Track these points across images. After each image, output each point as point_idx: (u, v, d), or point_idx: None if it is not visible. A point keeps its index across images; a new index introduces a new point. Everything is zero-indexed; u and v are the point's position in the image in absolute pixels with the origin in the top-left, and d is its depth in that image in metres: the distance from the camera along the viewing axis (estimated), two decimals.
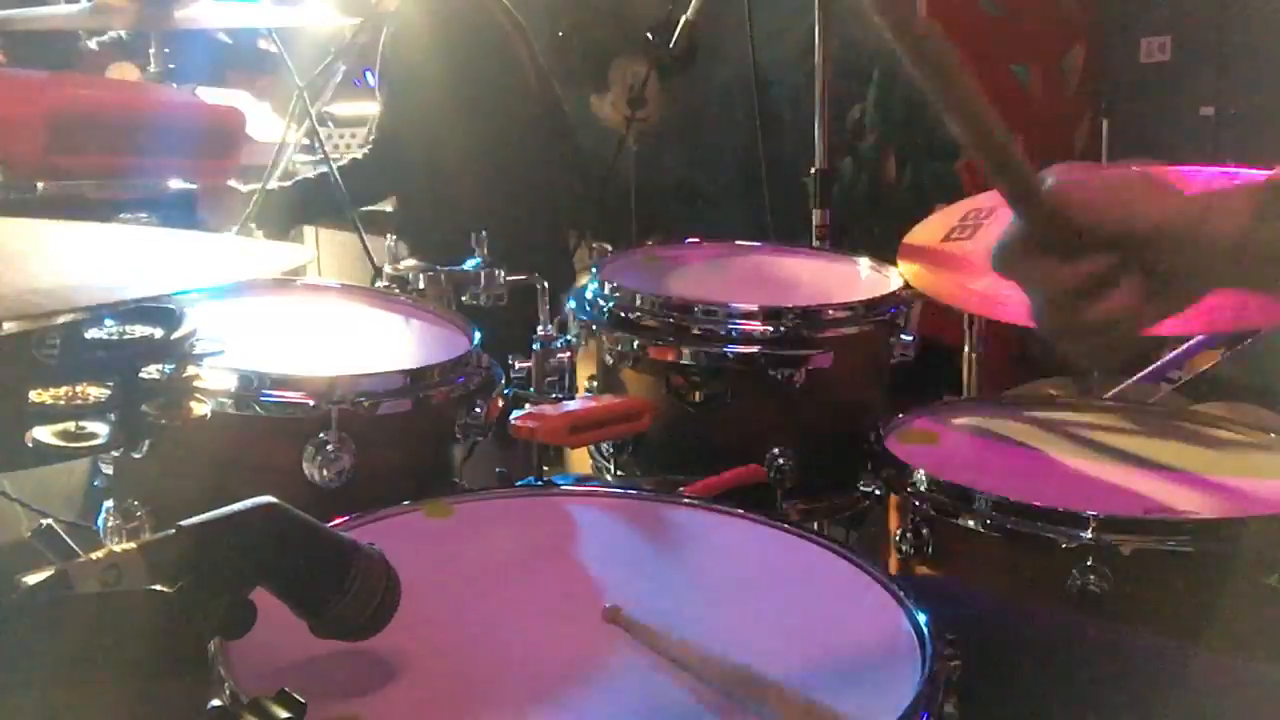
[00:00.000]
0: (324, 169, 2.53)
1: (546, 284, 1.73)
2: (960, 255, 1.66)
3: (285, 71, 2.54)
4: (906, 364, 1.67)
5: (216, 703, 0.81)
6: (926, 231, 1.77)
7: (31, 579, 0.72)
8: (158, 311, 0.96)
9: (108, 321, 0.92)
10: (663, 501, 1.27)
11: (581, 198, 3.10)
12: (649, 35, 2.92)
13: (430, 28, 2.67)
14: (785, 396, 1.55)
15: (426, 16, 2.68)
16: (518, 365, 1.67)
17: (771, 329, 1.55)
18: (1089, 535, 1.25)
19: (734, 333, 1.56)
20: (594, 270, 1.74)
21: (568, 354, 1.68)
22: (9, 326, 0.78)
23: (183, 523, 0.78)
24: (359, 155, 2.77)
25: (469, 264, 1.74)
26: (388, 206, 2.94)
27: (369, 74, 3.18)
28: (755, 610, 1.06)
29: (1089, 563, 1.24)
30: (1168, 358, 2.29)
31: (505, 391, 1.52)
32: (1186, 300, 0.91)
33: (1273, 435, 1.52)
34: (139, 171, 2.13)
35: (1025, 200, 0.88)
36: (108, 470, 1.38)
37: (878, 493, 1.46)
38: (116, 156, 2.10)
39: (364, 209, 2.85)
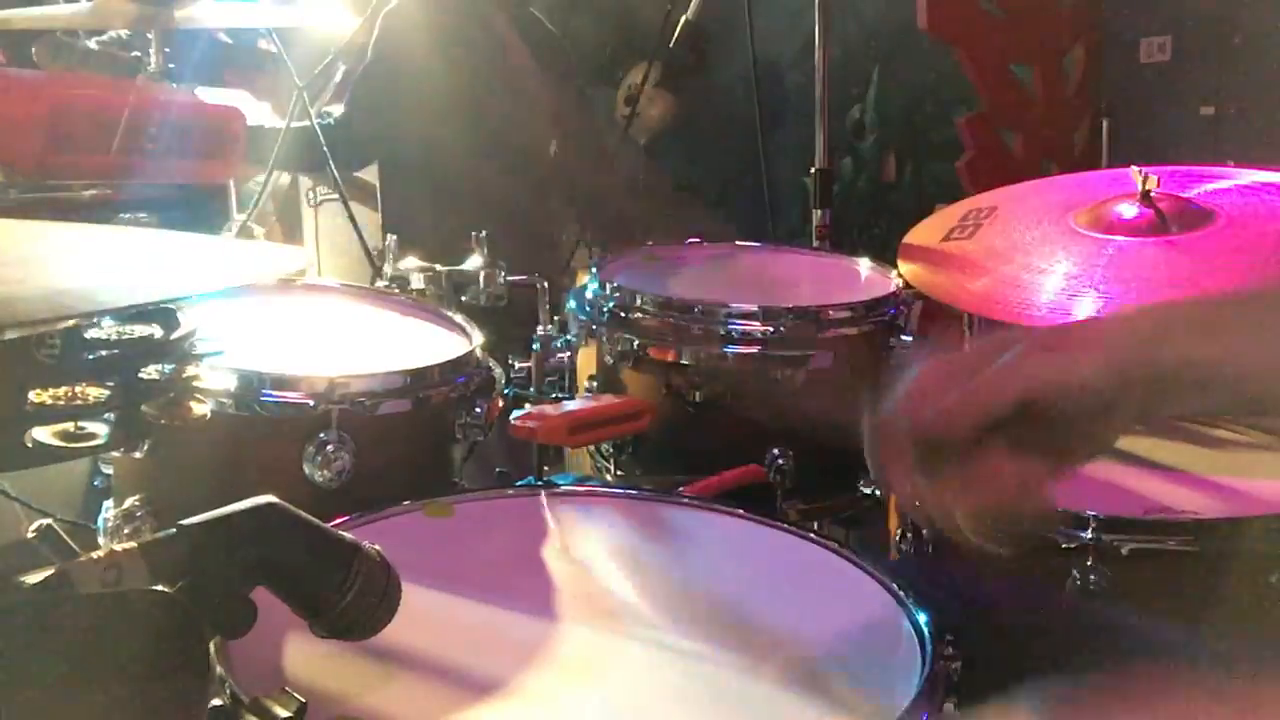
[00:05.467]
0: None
1: (546, 284, 1.73)
2: (960, 255, 1.66)
3: (285, 71, 2.54)
4: None
5: (217, 702, 0.81)
6: (926, 231, 1.77)
7: (31, 579, 0.72)
8: (158, 311, 0.96)
9: (107, 321, 0.92)
10: (663, 501, 1.27)
11: (581, 197, 3.10)
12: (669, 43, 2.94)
13: (425, 24, 2.68)
14: (785, 396, 1.55)
15: (424, 12, 2.68)
16: (518, 365, 1.67)
17: (771, 329, 1.55)
18: (1089, 535, 1.25)
19: (734, 333, 1.56)
20: (594, 270, 1.74)
21: (568, 354, 1.68)
22: (9, 331, 0.78)
23: (183, 522, 0.77)
24: (337, 115, 2.76)
25: (469, 264, 1.74)
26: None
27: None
28: (755, 610, 1.06)
29: (1089, 562, 1.24)
30: None
31: (505, 391, 1.52)
32: (1089, 451, 0.86)
33: (1273, 435, 1.52)
34: (139, 171, 2.13)
35: (892, 443, 0.86)
36: (108, 470, 1.38)
37: (878, 493, 1.46)
38: (116, 156, 2.10)
39: (364, 209, 2.86)
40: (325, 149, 2.45)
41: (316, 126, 2.45)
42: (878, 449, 0.85)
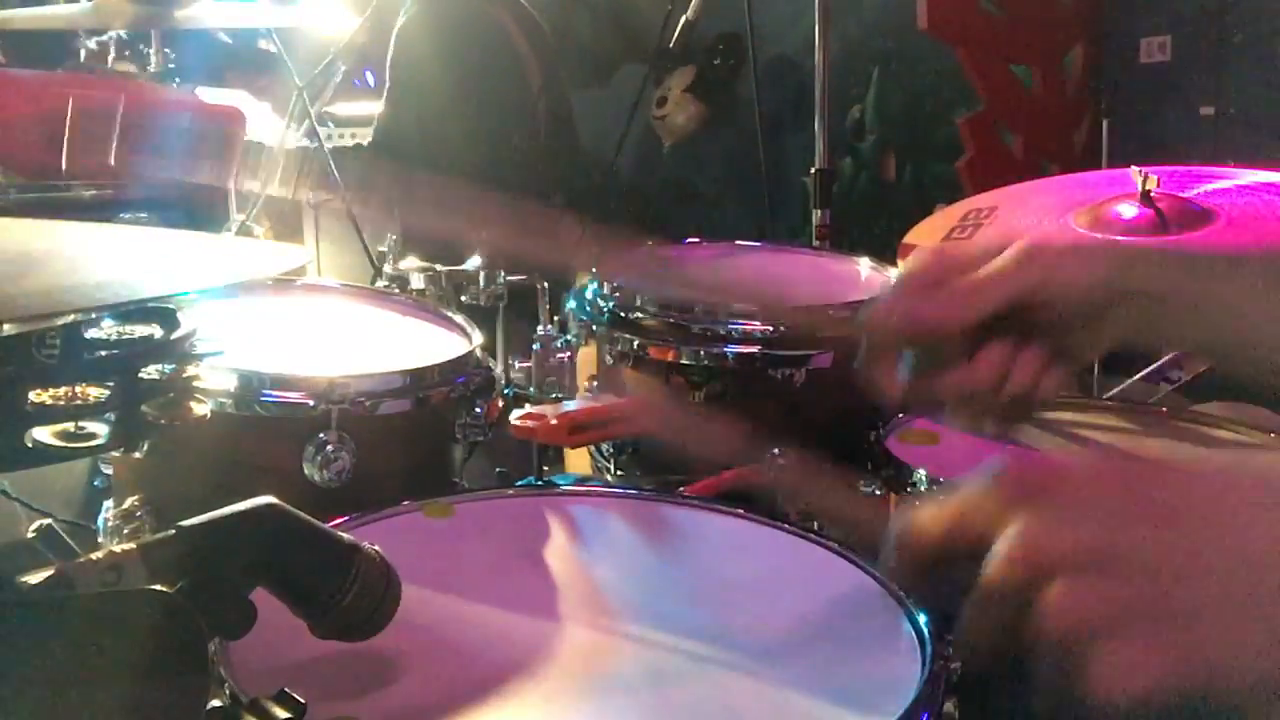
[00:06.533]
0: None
1: (546, 284, 1.73)
2: None
3: (285, 71, 2.54)
4: None
5: (216, 703, 0.81)
6: (926, 231, 1.77)
7: (31, 579, 0.72)
8: (158, 311, 0.96)
9: (107, 321, 0.92)
10: (663, 501, 1.27)
11: (581, 197, 3.10)
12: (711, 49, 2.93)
13: (437, 28, 2.68)
14: (785, 396, 1.55)
15: (433, 16, 2.69)
16: (518, 365, 1.67)
17: (771, 329, 1.55)
18: None
19: (734, 333, 1.56)
20: (594, 270, 1.74)
21: (568, 354, 1.68)
22: (8, 327, 0.78)
23: (183, 523, 0.78)
24: (362, 143, 2.79)
25: (469, 264, 1.74)
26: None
27: (369, 74, 3.18)
28: (755, 610, 1.06)
29: None
30: (1167, 358, 2.29)
31: (505, 391, 1.52)
32: (1081, 354, 0.88)
33: (1273, 435, 1.52)
34: (139, 171, 2.13)
35: (883, 342, 0.87)
36: (108, 470, 1.38)
37: (878, 493, 1.45)
38: (116, 156, 2.10)
39: (363, 209, 2.86)
40: (335, 172, 2.47)
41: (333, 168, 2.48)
42: (868, 343, 0.85)
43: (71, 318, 0.83)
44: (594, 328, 1.66)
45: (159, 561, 0.74)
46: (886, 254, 1.79)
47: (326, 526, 0.85)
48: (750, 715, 0.89)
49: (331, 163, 2.50)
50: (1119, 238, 1.57)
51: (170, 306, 0.96)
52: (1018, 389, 0.85)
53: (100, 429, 0.88)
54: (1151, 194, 1.59)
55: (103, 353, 0.89)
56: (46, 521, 1.39)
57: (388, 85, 2.78)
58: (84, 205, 2.05)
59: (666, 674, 0.93)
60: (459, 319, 1.59)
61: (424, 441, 1.42)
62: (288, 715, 0.73)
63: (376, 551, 0.87)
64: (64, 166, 2.02)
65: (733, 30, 3.20)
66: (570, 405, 1.50)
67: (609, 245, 1.87)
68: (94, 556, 0.73)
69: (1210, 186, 1.66)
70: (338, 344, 1.54)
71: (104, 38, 2.84)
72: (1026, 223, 1.67)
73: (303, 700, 0.74)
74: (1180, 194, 1.62)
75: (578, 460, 1.93)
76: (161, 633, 0.70)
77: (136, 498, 1.33)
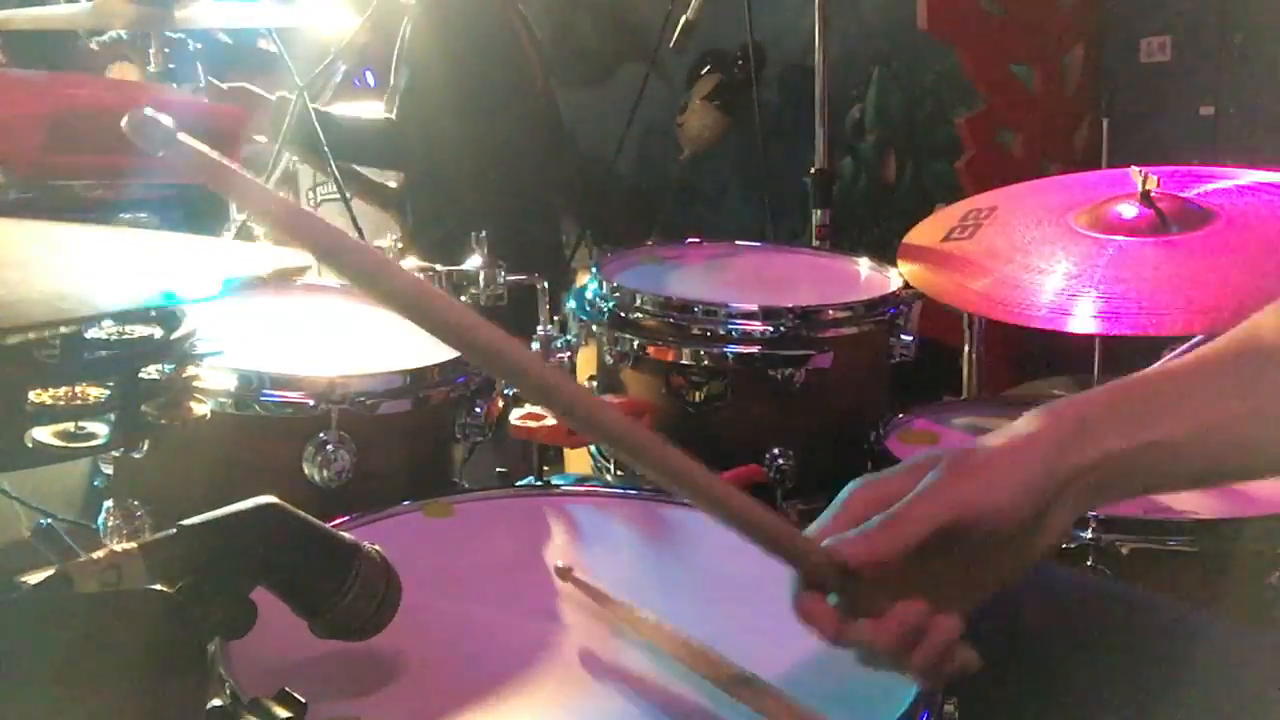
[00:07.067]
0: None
1: (546, 284, 1.73)
2: (960, 255, 1.66)
3: (285, 71, 2.54)
4: (906, 364, 1.67)
5: (217, 702, 0.81)
6: (926, 231, 1.77)
7: (31, 579, 0.72)
8: (158, 311, 0.96)
9: (107, 322, 0.92)
10: (663, 501, 1.27)
11: (581, 197, 3.10)
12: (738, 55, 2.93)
13: (446, 24, 2.68)
14: (785, 396, 1.55)
15: (443, 12, 2.69)
16: None
17: (771, 329, 1.55)
18: (1089, 535, 1.25)
19: (734, 333, 1.56)
20: (594, 270, 1.74)
21: (568, 354, 1.68)
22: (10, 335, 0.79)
23: (183, 522, 0.78)
24: (391, 116, 2.80)
25: (469, 264, 1.74)
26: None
27: (369, 74, 3.18)
28: (755, 610, 1.05)
29: (1089, 562, 1.24)
30: (1167, 358, 2.29)
31: (505, 391, 1.52)
32: (1016, 572, 0.83)
33: None
34: (139, 171, 2.13)
35: (811, 574, 0.80)
36: (108, 470, 1.38)
37: None
38: (116, 156, 2.10)
39: (365, 209, 2.86)
40: (325, 145, 2.48)
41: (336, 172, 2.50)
42: (799, 574, 0.80)
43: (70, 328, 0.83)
44: (594, 328, 1.66)
45: (160, 561, 0.74)
46: (886, 254, 1.79)
47: (326, 526, 0.85)
48: (750, 715, 0.89)
49: (333, 165, 2.51)
50: (1117, 237, 1.57)
51: (170, 307, 0.96)
52: (925, 658, 0.80)
53: (100, 429, 0.88)
54: (1151, 194, 1.59)
55: (103, 353, 0.89)
56: (46, 521, 1.39)
57: (400, 75, 2.78)
58: (84, 205, 2.04)
59: (666, 674, 0.93)
60: None
61: (424, 441, 1.42)
62: (288, 715, 0.73)
63: (377, 551, 0.87)
64: (64, 166, 2.02)
65: (756, 40, 3.20)
66: None
67: (609, 245, 1.87)
68: (94, 556, 0.74)
69: (1210, 186, 1.66)
70: (338, 344, 1.54)
71: (104, 38, 2.84)
72: (1028, 225, 1.67)
73: (303, 700, 0.74)
74: (1180, 194, 1.62)
75: (578, 460, 1.93)
76: (161, 633, 0.70)
77: (136, 498, 1.33)
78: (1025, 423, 0.82)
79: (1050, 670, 1.00)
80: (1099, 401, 0.83)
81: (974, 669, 0.83)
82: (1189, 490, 1.26)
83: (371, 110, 2.98)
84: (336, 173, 2.55)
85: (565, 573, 1.06)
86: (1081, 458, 0.80)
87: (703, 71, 3.53)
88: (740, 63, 3.19)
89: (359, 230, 2.56)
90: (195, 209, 2.30)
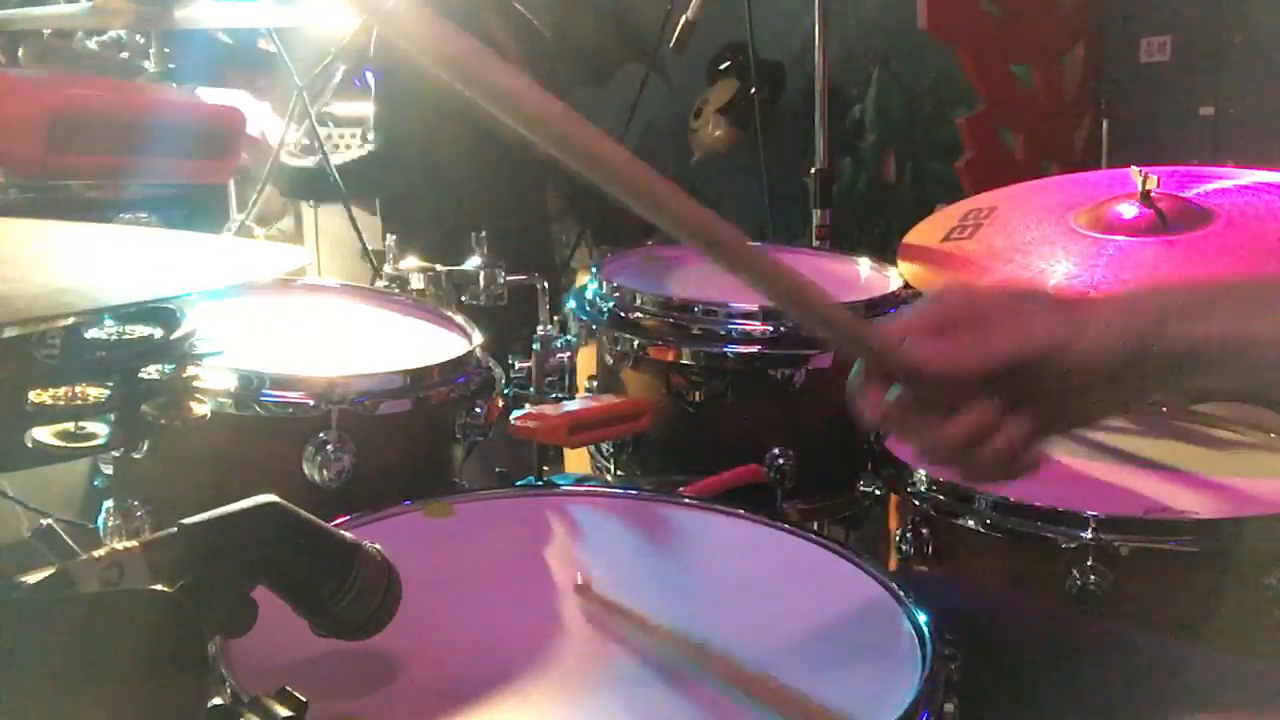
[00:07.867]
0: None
1: (546, 284, 1.73)
2: (960, 255, 1.66)
3: (285, 71, 2.54)
4: None
5: (217, 701, 0.81)
6: (926, 231, 1.77)
7: (31, 579, 0.72)
8: (158, 311, 0.96)
9: (107, 321, 0.92)
10: (663, 501, 1.27)
11: (581, 197, 3.10)
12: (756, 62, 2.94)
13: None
14: (785, 396, 1.55)
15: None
16: (518, 365, 1.67)
17: (771, 329, 1.55)
18: (1089, 535, 1.25)
19: (734, 333, 1.56)
20: (594, 270, 1.74)
21: (568, 354, 1.68)
22: (9, 330, 0.78)
23: (184, 521, 0.78)
24: (361, 153, 2.78)
25: (469, 264, 1.74)
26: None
27: (369, 74, 3.18)
28: (755, 610, 1.06)
29: (1089, 563, 1.24)
30: None
31: (505, 391, 1.52)
32: (1082, 419, 0.86)
33: (1273, 435, 1.52)
34: (139, 171, 2.13)
35: (881, 367, 0.83)
36: (108, 470, 1.37)
37: (878, 493, 1.46)
38: (116, 156, 2.10)
39: (364, 210, 2.86)
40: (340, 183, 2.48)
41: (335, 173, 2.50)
42: (866, 363, 0.83)
43: (71, 320, 0.83)
44: (594, 328, 1.66)
45: (160, 560, 0.74)
46: (886, 254, 1.79)
47: (327, 526, 0.85)
48: (750, 716, 0.89)
49: (332, 165, 2.51)
50: (1117, 237, 1.57)
51: (170, 306, 0.96)
52: (992, 457, 0.83)
53: (100, 429, 0.88)
54: (1151, 194, 1.59)
55: (103, 353, 0.89)
56: (46, 521, 1.38)
57: (378, 85, 2.78)
58: (84, 205, 2.04)
59: (666, 674, 0.93)
60: (459, 319, 1.59)
61: (424, 441, 1.42)
62: (289, 713, 0.73)
63: (377, 551, 0.87)
64: (64, 166, 2.02)
65: (777, 59, 3.19)
66: (570, 405, 1.50)
67: (609, 245, 1.87)
68: (95, 555, 0.74)
69: (1210, 186, 1.66)
70: (338, 344, 1.54)
71: (104, 38, 2.83)
72: (1028, 225, 1.67)
73: (303, 700, 0.74)
74: (1180, 194, 1.62)
75: (578, 460, 1.93)
76: (161, 632, 0.70)
77: (136, 498, 1.33)
78: (1137, 289, 0.85)
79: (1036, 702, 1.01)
80: (1204, 290, 0.86)
81: (1034, 471, 0.86)
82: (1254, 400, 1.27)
83: (370, 110, 2.98)
84: (336, 172, 2.54)
85: (584, 589, 1.05)
86: (1176, 341, 0.81)
87: (721, 67, 3.51)
88: (754, 90, 3.18)
89: (358, 230, 2.56)
90: (195, 209, 2.30)
